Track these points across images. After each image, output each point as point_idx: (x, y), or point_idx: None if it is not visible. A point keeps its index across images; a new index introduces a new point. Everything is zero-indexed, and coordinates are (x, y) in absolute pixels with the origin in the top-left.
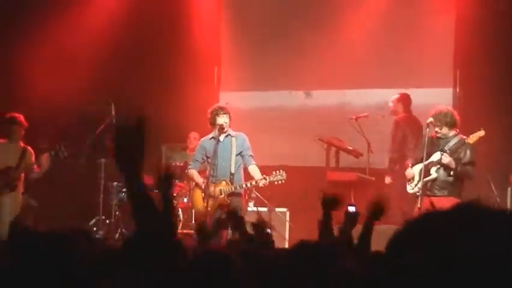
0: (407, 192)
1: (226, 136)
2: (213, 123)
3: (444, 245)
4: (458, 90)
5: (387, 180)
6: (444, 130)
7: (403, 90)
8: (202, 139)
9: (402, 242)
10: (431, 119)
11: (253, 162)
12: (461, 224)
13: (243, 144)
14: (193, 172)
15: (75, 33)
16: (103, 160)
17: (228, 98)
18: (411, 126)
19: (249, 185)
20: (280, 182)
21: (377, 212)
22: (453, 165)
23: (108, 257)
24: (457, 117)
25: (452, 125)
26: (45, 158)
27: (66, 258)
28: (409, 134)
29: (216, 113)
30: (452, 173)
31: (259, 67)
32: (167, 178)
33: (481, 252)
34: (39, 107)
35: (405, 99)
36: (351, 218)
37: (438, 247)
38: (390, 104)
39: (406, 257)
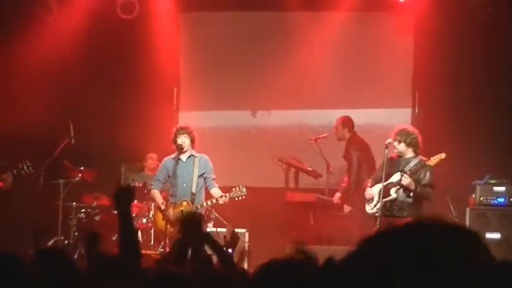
0: (366, 212)
1: (189, 157)
2: (174, 143)
3: (395, 261)
4: (417, 110)
5: (347, 209)
6: (401, 147)
7: (363, 110)
8: (165, 158)
9: (355, 259)
10: (389, 140)
11: (216, 185)
12: (411, 239)
13: (206, 166)
14: (155, 192)
15: (34, 52)
16: (61, 181)
17: (187, 117)
18: (361, 146)
19: (209, 203)
20: (240, 197)
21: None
22: (412, 186)
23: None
24: (420, 140)
25: (412, 145)
26: (8, 176)
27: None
28: (362, 155)
29: (176, 133)
30: (411, 194)
31: (219, 87)
32: (126, 195)
33: (431, 267)
34: None
35: (348, 122)
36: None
37: (390, 263)
38: (334, 130)
39: (359, 274)
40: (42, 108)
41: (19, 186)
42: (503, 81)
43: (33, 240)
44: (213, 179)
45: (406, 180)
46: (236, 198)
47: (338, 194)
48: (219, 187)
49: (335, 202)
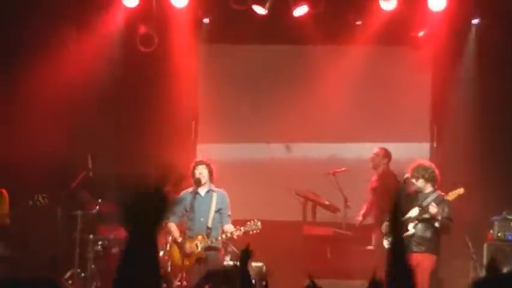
0: (383, 247)
1: (208, 192)
2: (193, 176)
3: None
4: (435, 145)
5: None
6: (420, 183)
7: (381, 144)
8: (182, 192)
9: None
10: (407, 175)
11: (229, 221)
12: None
13: (222, 201)
14: (171, 225)
15: (53, 83)
16: (79, 212)
17: (205, 150)
18: (393, 181)
19: (224, 236)
20: (254, 231)
21: None
22: (439, 216)
23: None
24: (437, 174)
25: (430, 180)
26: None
27: None
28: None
29: (194, 166)
30: (436, 224)
31: (237, 120)
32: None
33: None
34: (14, 156)
35: (390, 154)
36: None
37: None
38: (373, 156)
39: None
40: (60, 140)
41: (35, 219)
42: None
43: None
44: (228, 215)
45: (434, 209)
46: (251, 232)
47: (359, 218)
48: (236, 219)
49: (357, 224)
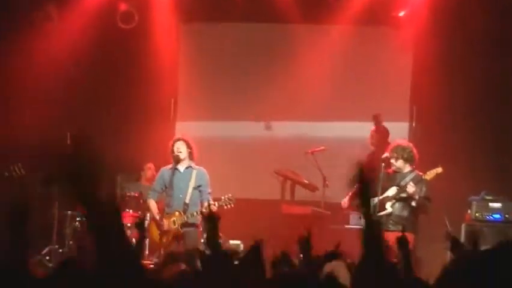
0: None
1: (187, 168)
2: (172, 153)
3: None
4: (414, 125)
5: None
6: (400, 163)
7: (361, 124)
8: (162, 168)
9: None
10: (386, 154)
11: (210, 199)
12: None
13: (202, 178)
14: (151, 202)
15: (32, 61)
16: (56, 189)
17: (185, 128)
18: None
19: (199, 211)
20: (229, 206)
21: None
22: (417, 195)
23: None
24: (415, 154)
25: (409, 160)
26: None
27: None
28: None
29: (172, 143)
30: (412, 203)
31: (217, 98)
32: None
33: None
34: None
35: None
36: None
37: None
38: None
39: None
40: (40, 116)
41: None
42: (501, 98)
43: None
44: (209, 192)
45: (412, 188)
46: (225, 206)
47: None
48: (215, 198)
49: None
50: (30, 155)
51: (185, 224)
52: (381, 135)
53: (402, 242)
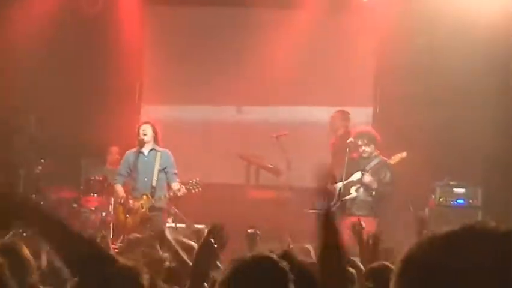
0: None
1: (151, 150)
2: (137, 137)
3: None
4: (378, 109)
5: None
6: (363, 148)
7: (325, 108)
8: (127, 152)
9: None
10: (351, 139)
11: (177, 180)
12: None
13: (167, 160)
14: (117, 186)
15: None
16: (21, 172)
17: (151, 111)
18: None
19: (167, 195)
20: (196, 190)
21: None
22: (374, 185)
23: None
24: (379, 139)
25: (376, 145)
26: None
27: None
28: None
29: (138, 127)
30: (372, 193)
31: (182, 82)
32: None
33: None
34: None
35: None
36: None
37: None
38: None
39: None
40: (4, 96)
41: None
42: (465, 80)
43: None
44: (175, 173)
45: (368, 178)
46: (193, 191)
47: None
48: (182, 182)
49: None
50: None
51: (153, 208)
52: (343, 121)
53: (356, 227)
